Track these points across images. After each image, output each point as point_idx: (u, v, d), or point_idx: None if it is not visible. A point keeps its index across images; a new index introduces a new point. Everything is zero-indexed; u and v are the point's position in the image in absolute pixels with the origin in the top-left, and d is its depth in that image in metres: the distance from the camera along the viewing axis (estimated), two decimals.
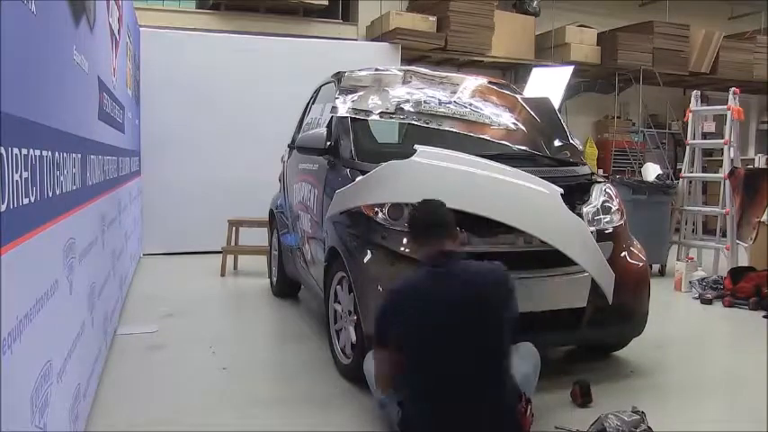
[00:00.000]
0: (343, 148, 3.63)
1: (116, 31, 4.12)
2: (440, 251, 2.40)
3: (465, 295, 2.32)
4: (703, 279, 5.61)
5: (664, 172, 7.07)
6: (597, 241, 3.22)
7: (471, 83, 4.21)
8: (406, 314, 2.34)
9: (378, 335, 2.43)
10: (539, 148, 3.86)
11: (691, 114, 6.72)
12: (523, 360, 2.56)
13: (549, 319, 3.17)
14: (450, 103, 3.93)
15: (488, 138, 3.84)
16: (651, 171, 6.98)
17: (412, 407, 2.36)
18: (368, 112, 3.78)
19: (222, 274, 6.14)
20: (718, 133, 7.97)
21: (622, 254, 3.40)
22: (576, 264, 2.98)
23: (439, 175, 3.10)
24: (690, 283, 5.64)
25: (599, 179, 3.66)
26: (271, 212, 5.47)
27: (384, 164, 3.13)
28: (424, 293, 2.36)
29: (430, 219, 2.46)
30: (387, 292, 2.54)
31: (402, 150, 4.37)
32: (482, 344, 2.30)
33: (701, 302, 5.28)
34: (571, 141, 3.97)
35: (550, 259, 3.08)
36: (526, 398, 2.40)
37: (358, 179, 3.23)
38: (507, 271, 2.40)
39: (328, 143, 3.74)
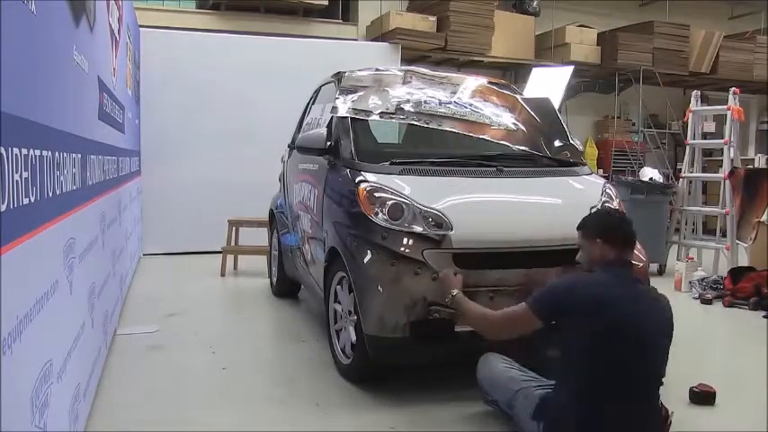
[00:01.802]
0: (344, 149, 3.62)
1: (116, 31, 4.12)
2: (622, 260, 2.51)
3: (652, 310, 2.45)
4: (703, 279, 5.62)
5: (662, 174, 7.08)
6: None
7: (471, 83, 4.21)
8: (594, 312, 2.35)
9: (543, 306, 2.44)
10: (539, 148, 3.86)
11: (691, 114, 6.72)
12: None
13: None
14: (450, 103, 3.93)
15: (488, 138, 3.84)
16: (647, 174, 7.00)
17: (572, 404, 2.36)
18: (368, 113, 3.78)
19: (222, 275, 6.14)
20: (718, 133, 7.96)
21: None
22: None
23: None
24: (690, 283, 5.65)
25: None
26: (271, 212, 5.47)
27: None
28: (614, 296, 2.40)
29: (629, 231, 2.57)
30: (573, 276, 2.63)
31: (402, 150, 4.41)
32: (655, 358, 2.43)
33: (701, 302, 5.29)
34: (571, 141, 3.98)
35: (551, 259, 3.09)
36: (663, 405, 2.53)
37: None
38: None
39: (328, 143, 3.74)
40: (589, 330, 2.34)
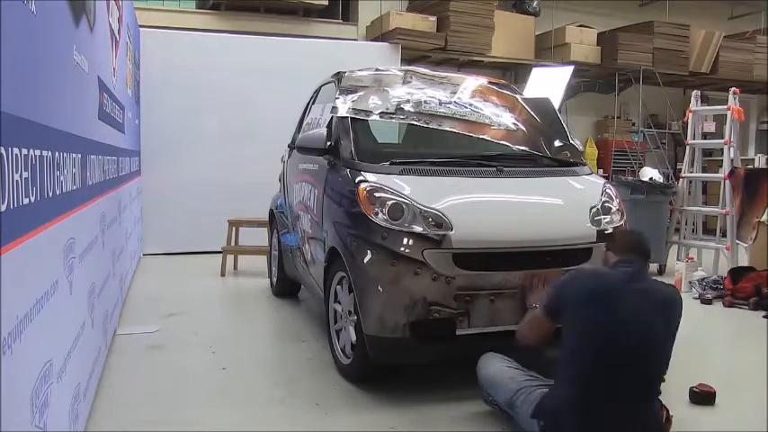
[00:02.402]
0: (344, 149, 3.62)
1: (116, 31, 4.12)
2: (635, 260, 2.51)
3: (657, 306, 2.42)
4: (703, 279, 5.62)
5: (662, 174, 7.08)
6: (597, 241, 3.23)
7: (471, 83, 4.21)
8: (594, 304, 2.36)
9: (548, 304, 2.51)
10: (539, 148, 3.86)
11: (691, 114, 6.72)
12: None
13: None
14: (450, 103, 3.93)
15: (488, 138, 3.84)
16: (647, 174, 7.00)
17: (571, 403, 2.36)
18: (368, 113, 3.78)
19: (222, 274, 6.14)
20: (718, 133, 7.97)
21: None
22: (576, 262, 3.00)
23: None
24: (690, 283, 5.65)
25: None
26: (271, 212, 5.47)
27: None
28: (616, 289, 2.40)
29: (645, 245, 2.59)
30: (580, 273, 2.62)
31: (402, 150, 4.41)
32: (656, 356, 2.43)
33: (701, 302, 5.29)
34: (571, 141, 3.98)
35: (551, 258, 3.09)
36: (663, 405, 2.54)
37: None
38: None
39: (328, 143, 3.74)
40: (588, 321, 2.34)
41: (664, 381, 2.48)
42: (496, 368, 2.75)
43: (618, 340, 2.32)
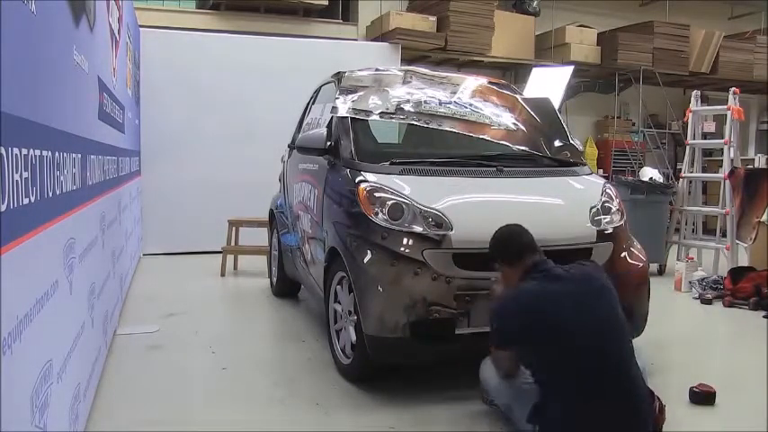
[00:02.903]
0: (344, 148, 3.62)
1: (116, 31, 4.12)
2: (533, 263, 2.52)
3: (585, 290, 2.42)
4: (703, 279, 5.62)
5: (662, 174, 7.08)
6: (597, 241, 3.23)
7: (471, 83, 4.21)
8: (536, 318, 2.37)
9: (501, 339, 2.53)
10: (539, 148, 3.86)
11: (691, 114, 6.72)
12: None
13: None
14: (450, 103, 3.93)
15: (488, 138, 3.84)
16: (647, 174, 7.01)
17: (560, 406, 2.35)
18: (368, 113, 3.78)
19: (222, 275, 6.14)
20: (718, 133, 7.97)
21: (622, 254, 3.40)
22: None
23: None
24: (690, 283, 5.65)
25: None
26: (271, 212, 5.47)
27: None
28: (550, 296, 2.41)
29: (526, 236, 2.62)
30: (507, 299, 2.56)
31: (402, 150, 4.41)
32: (616, 337, 2.40)
33: (701, 302, 5.29)
34: (571, 141, 3.98)
35: (551, 258, 3.08)
36: (656, 395, 2.50)
37: None
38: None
39: (328, 143, 3.74)
40: (537, 342, 2.37)
41: (638, 367, 2.43)
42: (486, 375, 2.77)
43: (575, 340, 2.31)
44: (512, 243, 2.62)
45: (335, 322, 3.49)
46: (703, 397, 3.10)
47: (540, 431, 2.43)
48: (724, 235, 6.42)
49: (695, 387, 3.14)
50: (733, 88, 6.43)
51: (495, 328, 2.50)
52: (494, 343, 2.58)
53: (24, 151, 1.58)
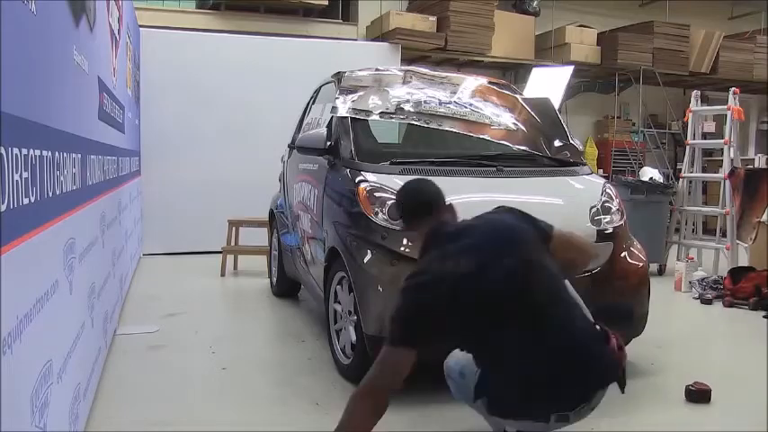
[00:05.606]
0: (344, 148, 3.63)
1: (116, 31, 4.12)
2: (439, 224, 2.25)
3: (494, 240, 2.13)
4: (703, 279, 5.62)
5: (662, 174, 7.08)
6: (597, 241, 3.23)
7: (471, 83, 4.21)
8: (453, 285, 2.04)
9: (407, 327, 2.05)
10: (539, 148, 3.86)
11: (691, 114, 6.72)
12: None
13: None
14: (450, 103, 3.93)
15: (488, 138, 3.84)
16: (647, 174, 7.01)
17: (500, 377, 2.09)
18: (368, 112, 3.78)
19: (222, 274, 6.14)
20: (718, 133, 7.98)
21: (622, 254, 3.40)
22: None
23: None
24: (690, 283, 5.65)
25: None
26: (271, 212, 5.47)
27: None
28: (456, 255, 2.09)
29: (428, 188, 2.37)
30: (411, 278, 2.14)
31: (402, 150, 4.41)
32: (539, 280, 2.10)
33: (701, 302, 5.29)
34: (571, 141, 3.98)
35: None
36: (611, 333, 2.12)
37: None
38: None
39: (328, 143, 3.74)
40: (451, 312, 2.05)
41: (579, 305, 2.15)
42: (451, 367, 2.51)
43: (490, 296, 2.03)
44: (426, 191, 2.35)
45: (335, 322, 3.49)
46: (699, 395, 3.10)
47: (488, 402, 2.19)
48: (724, 235, 6.42)
49: (691, 385, 3.14)
50: (733, 88, 6.43)
51: (400, 314, 2.08)
52: (396, 338, 2.06)
53: (24, 151, 1.58)
